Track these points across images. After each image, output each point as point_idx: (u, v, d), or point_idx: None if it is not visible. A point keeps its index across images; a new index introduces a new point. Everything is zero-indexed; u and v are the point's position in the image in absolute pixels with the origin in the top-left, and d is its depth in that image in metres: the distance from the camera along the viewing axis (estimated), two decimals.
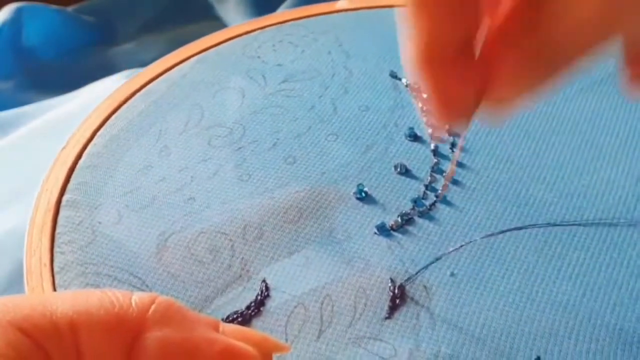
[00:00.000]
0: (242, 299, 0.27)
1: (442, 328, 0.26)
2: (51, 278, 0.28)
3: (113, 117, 0.36)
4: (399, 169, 0.32)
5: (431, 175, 0.32)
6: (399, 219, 0.30)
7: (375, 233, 0.29)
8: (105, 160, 0.33)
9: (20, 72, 0.55)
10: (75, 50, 0.56)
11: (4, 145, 0.47)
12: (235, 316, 0.27)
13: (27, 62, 0.56)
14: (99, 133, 0.35)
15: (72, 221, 0.30)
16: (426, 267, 0.27)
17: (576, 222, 0.29)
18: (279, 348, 0.24)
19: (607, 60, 0.38)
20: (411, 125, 0.34)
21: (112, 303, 0.23)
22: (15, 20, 0.55)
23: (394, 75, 0.38)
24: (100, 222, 0.30)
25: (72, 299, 0.23)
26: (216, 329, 0.24)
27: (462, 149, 0.33)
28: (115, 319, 0.22)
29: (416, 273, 0.27)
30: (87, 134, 0.35)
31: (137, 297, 0.23)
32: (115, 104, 0.36)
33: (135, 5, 0.60)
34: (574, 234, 0.29)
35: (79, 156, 0.34)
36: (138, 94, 0.37)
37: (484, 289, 0.27)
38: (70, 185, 0.32)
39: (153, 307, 0.23)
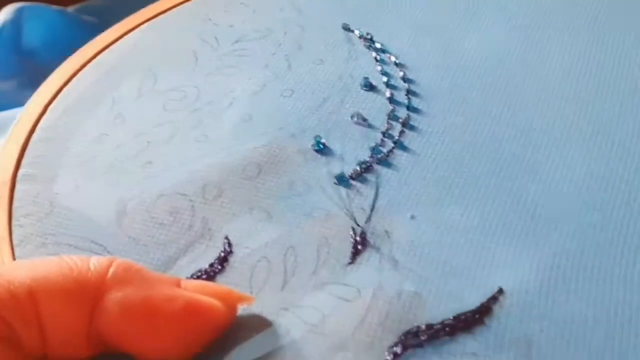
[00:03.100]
0: (205, 257, 0.27)
1: (405, 268, 0.26)
2: (10, 251, 0.28)
3: (65, 89, 0.35)
4: (355, 119, 0.32)
5: (388, 123, 0.32)
6: (358, 168, 0.30)
7: (335, 183, 0.29)
8: (59, 133, 0.33)
9: (20, 72, 0.54)
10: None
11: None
12: (199, 274, 0.27)
13: (27, 62, 0.55)
14: (50, 107, 0.34)
15: (29, 194, 0.30)
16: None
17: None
18: (243, 299, 0.24)
19: None
20: (366, 75, 0.34)
21: (70, 268, 0.23)
22: (16, 20, 0.54)
23: (347, 28, 0.37)
24: (57, 194, 0.30)
25: (29, 268, 0.23)
26: (178, 286, 0.24)
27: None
28: (74, 284, 0.22)
29: (371, 210, 0.27)
30: (39, 109, 0.34)
31: (95, 261, 0.23)
32: (66, 76, 0.36)
33: (135, 6, 0.59)
34: (531, 167, 0.29)
35: (32, 131, 0.33)
36: (89, 65, 0.36)
37: (443, 228, 0.27)
38: (24, 161, 0.32)
39: (111, 269, 0.23)
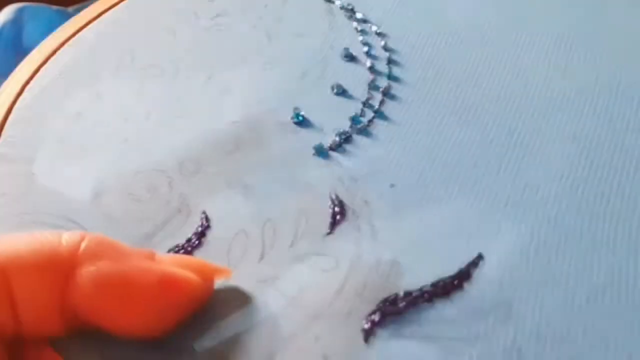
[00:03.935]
0: (183, 232, 0.27)
1: (384, 238, 0.25)
2: None
3: (42, 69, 0.35)
4: (335, 90, 0.31)
5: (368, 92, 0.31)
6: (337, 138, 0.29)
7: (314, 154, 0.29)
8: (36, 112, 0.32)
9: None
10: None
11: None
12: (176, 249, 0.26)
13: None
14: (27, 87, 0.34)
15: (5, 174, 0.30)
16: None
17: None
18: (220, 272, 0.24)
19: None
20: (346, 46, 0.34)
21: (41, 243, 0.22)
22: (16, 20, 0.54)
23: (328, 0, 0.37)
24: (34, 173, 0.29)
25: (0, 244, 0.22)
26: (152, 259, 0.23)
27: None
28: (45, 260, 0.22)
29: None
30: (16, 89, 0.34)
31: (67, 236, 0.23)
32: (43, 57, 0.35)
33: None
34: (512, 133, 0.29)
35: (9, 111, 0.33)
36: (67, 44, 0.36)
37: (422, 196, 0.27)
38: (1, 140, 0.31)
39: (84, 243, 0.22)
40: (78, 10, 0.57)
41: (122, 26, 0.37)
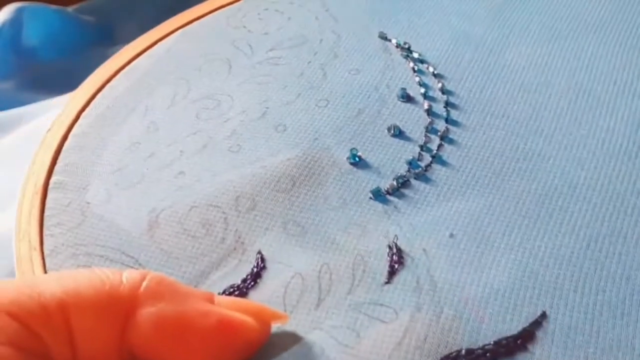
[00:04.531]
0: (238, 272, 0.27)
1: (444, 289, 0.25)
2: (42, 262, 0.27)
3: (98, 96, 0.35)
4: (392, 131, 0.31)
5: (426, 136, 0.31)
6: (395, 182, 0.29)
7: (371, 198, 0.29)
8: (91, 140, 0.32)
9: (20, 72, 0.54)
10: (75, 50, 0.55)
11: (4, 145, 0.47)
12: (231, 290, 0.26)
13: (27, 62, 0.55)
14: (84, 114, 0.34)
15: (60, 203, 0.30)
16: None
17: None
18: (277, 317, 0.24)
19: (601, 6, 0.37)
20: (403, 86, 0.33)
21: (102, 281, 0.22)
22: (16, 20, 0.54)
23: (384, 37, 0.37)
24: (89, 203, 0.29)
25: (60, 280, 0.22)
26: (211, 301, 0.23)
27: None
28: (106, 298, 0.22)
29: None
30: (72, 115, 0.34)
31: (128, 274, 0.23)
32: (99, 83, 0.36)
33: (135, 5, 0.59)
34: (574, 185, 0.28)
35: (64, 138, 0.33)
36: (122, 72, 0.36)
37: (484, 247, 0.26)
38: (57, 168, 0.31)
39: (144, 283, 0.22)
40: (78, 10, 0.57)
41: (178, 55, 0.37)
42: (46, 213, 0.29)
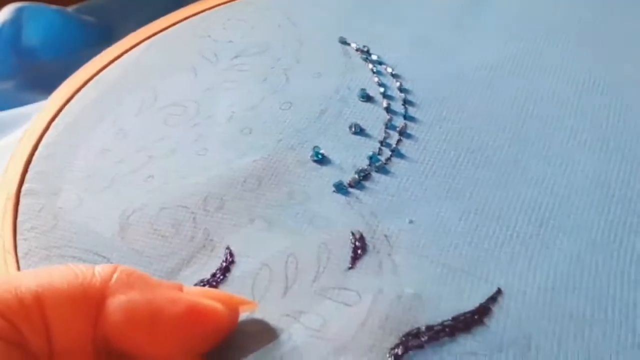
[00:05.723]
0: (208, 267, 0.28)
1: (404, 272, 0.26)
2: (15, 264, 0.28)
3: (67, 106, 0.36)
4: (353, 129, 0.32)
5: (385, 132, 0.32)
6: (356, 176, 0.30)
7: (334, 191, 0.30)
8: (62, 148, 0.33)
9: (20, 72, 0.54)
10: (75, 50, 0.56)
11: (3, 145, 0.47)
12: (201, 284, 0.27)
13: (27, 62, 0.55)
14: (54, 123, 0.35)
15: (32, 209, 0.30)
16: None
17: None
18: (244, 303, 0.25)
19: (559, 9, 0.38)
20: (363, 87, 0.35)
21: (75, 275, 0.23)
22: (16, 20, 0.55)
23: (344, 42, 0.38)
24: (61, 207, 0.30)
25: (36, 275, 0.23)
26: (180, 290, 0.24)
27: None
28: (79, 290, 0.23)
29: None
30: (43, 125, 0.35)
31: (100, 268, 0.23)
32: (69, 93, 0.36)
33: (135, 5, 0.60)
34: (526, 170, 0.30)
35: (35, 147, 0.34)
36: (91, 82, 0.37)
37: (442, 232, 0.27)
38: (28, 176, 0.32)
39: (115, 275, 0.23)
40: (77, 10, 0.58)
41: (144, 65, 0.38)
42: (19, 218, 0.30)
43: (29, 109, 0.49)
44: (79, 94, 0.36)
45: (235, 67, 0.37)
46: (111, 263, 0.28)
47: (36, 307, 0.22)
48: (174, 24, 0.41)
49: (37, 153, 0.33)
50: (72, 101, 0.36)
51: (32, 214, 0.30)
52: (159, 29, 0.40)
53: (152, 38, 0.40)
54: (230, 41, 0.39)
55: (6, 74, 0.54)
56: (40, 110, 0.35)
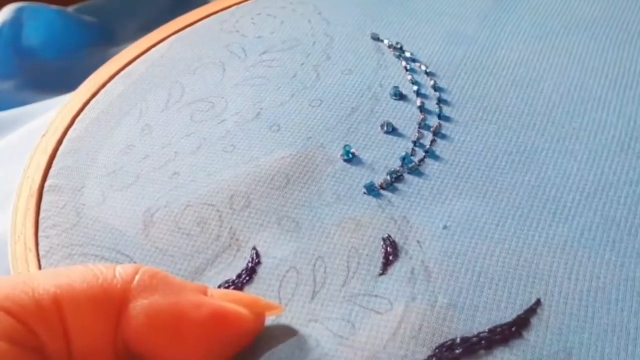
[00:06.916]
0: (233, 267, 0.27)
1: (438, 279, 0.25)
2: (37, 262, 0.27)
3: (92, 100, 0.35)
4: (385, 128, 0.31)
5: (418, 132, 0.31)
6: (388, 177, 0.29)
7: (365, 193, 0.29)
8: (86, 144, 0.33)
9: (20, 72, 0.54)
10: (75, 50, 0.56)
11: (3, 145, 0.47)
12: (226, 285, 0.26)
13: (27, 62, 0.55)
14: (78, 118, 0.34)
15: (55, 205, 0.30)
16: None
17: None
18: (271, 308, 0.24)
19: (592, 3, 0.37)
20: (396, 85, 0.34)
21: (95, 276, 0.22)
22: (16, 20, 0.55)
23: (376, 38, 0.37)
24: (84, 204, 0.30)
25: (54, 275, 0.22)
26: (204, 294, 0.23)
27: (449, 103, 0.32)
28: (99, 292, 0.22)
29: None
30: (67, 120, 0.34)
31: (121, 269, 0.23)
32: (94, 88, 0.36)
33: (135, 5, 0.60)
34: (567, 176, 0.28)
35: (59, 142, 0.33)
36: (117, 77, 0.36)
37: (478, 238, 0.26)
38: (52, 171, 0.31)
39: (137, 276, 0.22)
40: (78, 10, 0.58)
41: (172, 60, 0.37)
42: (41, 215, 0.29)
43: (29, 109, 0.48)
44: (104, 89, 0.35)
45: (264, 63, 0.36)
46: (134, 262, 0.27)
47: (54, 310, 0.21)
48: (201, 19, 0.40)
49: (61, 148, 0.33)
50: (98, 96, 0.35)
51: (55, 210, 0.29)
52: (186, 23, 0.39)
53: (179, 33, 0.39)
54: (259, 36, 0.38)
55: (6, 74, 0.53)
56: (61, 104, 0.34)
